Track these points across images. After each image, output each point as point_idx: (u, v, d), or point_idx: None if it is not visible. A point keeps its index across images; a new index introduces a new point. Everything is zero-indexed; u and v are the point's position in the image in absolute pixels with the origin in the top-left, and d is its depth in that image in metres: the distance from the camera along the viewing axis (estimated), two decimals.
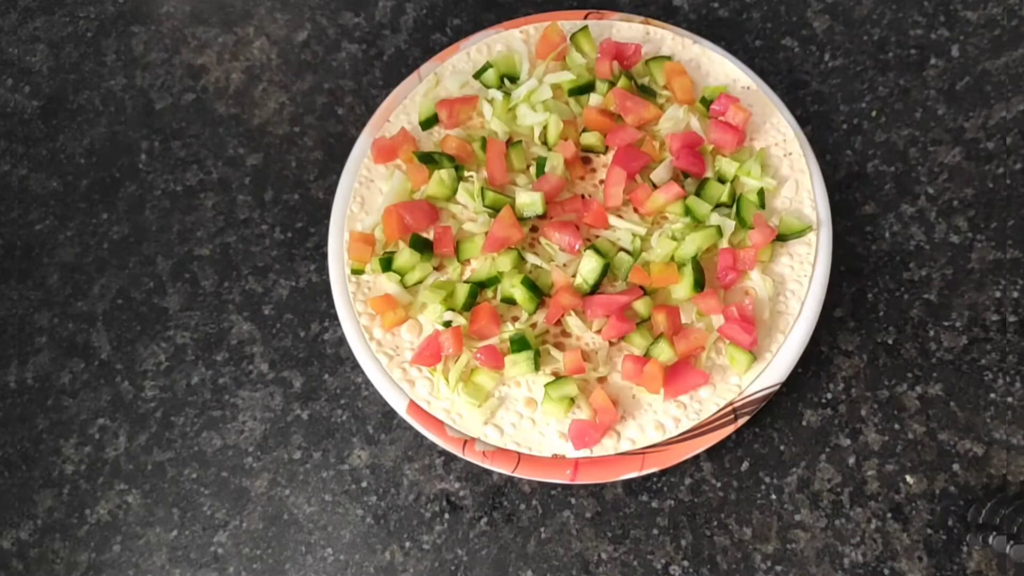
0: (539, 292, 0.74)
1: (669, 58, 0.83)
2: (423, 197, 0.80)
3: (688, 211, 0.76)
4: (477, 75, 0.84)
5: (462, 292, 0.74)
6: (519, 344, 0.71)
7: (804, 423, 0.76)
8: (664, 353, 0.70)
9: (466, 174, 0.81)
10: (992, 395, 0.75)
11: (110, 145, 0.93)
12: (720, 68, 0.84)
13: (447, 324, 0.73)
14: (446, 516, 0.75)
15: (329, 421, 0.79)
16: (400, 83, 0.86)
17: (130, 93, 0.96)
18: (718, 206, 0.77)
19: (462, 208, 0.80)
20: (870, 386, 0.76)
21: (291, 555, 0.75)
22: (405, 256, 0.76)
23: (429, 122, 0.83)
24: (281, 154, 0.91)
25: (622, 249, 0.76)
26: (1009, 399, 0.75)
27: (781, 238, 0.75)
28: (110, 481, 0.79)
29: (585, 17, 0.87)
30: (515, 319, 0.75)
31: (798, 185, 0.78)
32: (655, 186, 0.77)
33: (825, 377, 0.77)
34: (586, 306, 0.73)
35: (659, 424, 0.70)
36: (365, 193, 0.81)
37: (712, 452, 0.75)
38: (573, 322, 0.73)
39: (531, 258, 0.76)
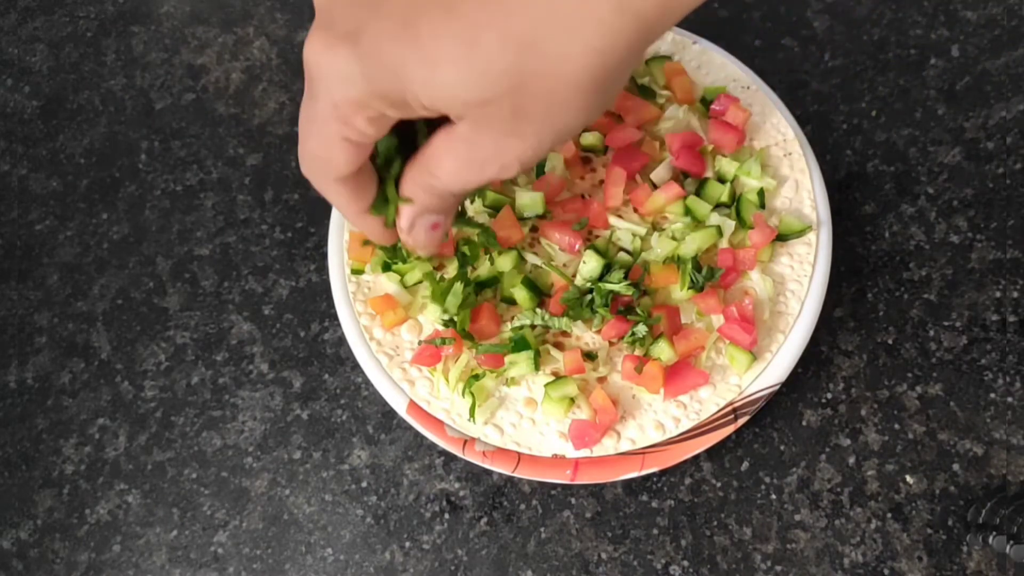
0: (539, 292, 0.74)
1: (669, 58, 0.83)
2: None
3: (688, 211, 0.76)
4: None
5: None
6: (519, 344, 0.71)
7: (804, 423, 0.76)
8: (664, 353, 0.70)
9: None
10: (992, 395, 0.75)
11: (110, 145, 0.93)
12: (720, 68, 0.84)
13: (447, 324, 0.73)
14: (446, 516, 0.75)
15: (329, 421, 0.79)
16: None
17: (130, 93, 0.96)
18: (718, 206, 0.77)
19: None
20: (870, 386, 0.76)
21: (291, 555, 0.75)
22: None
23: None
24: (281, 154, 0.91)
25: (622, 249, 0.76)
26: (1009, 399, 0.75)
27: (781, 238, 0.75)
28: (110, 481, 0.79)
29: None
30: (515, 319, 0.75)
31: (798, 185, 0.78)
32: (655, 186, 0.77)
33: (825, 377, 0.77)
34: None
35: (659, 424, 0.70)
36: None
37: (712, 452, 0.75)
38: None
39: (531, 258, 0.76)
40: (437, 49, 0.38)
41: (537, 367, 0.71)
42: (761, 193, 0.77)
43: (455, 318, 0.71)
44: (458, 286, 0.71)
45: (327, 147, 0.44)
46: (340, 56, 0.39)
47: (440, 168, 0.45)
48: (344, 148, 0.44)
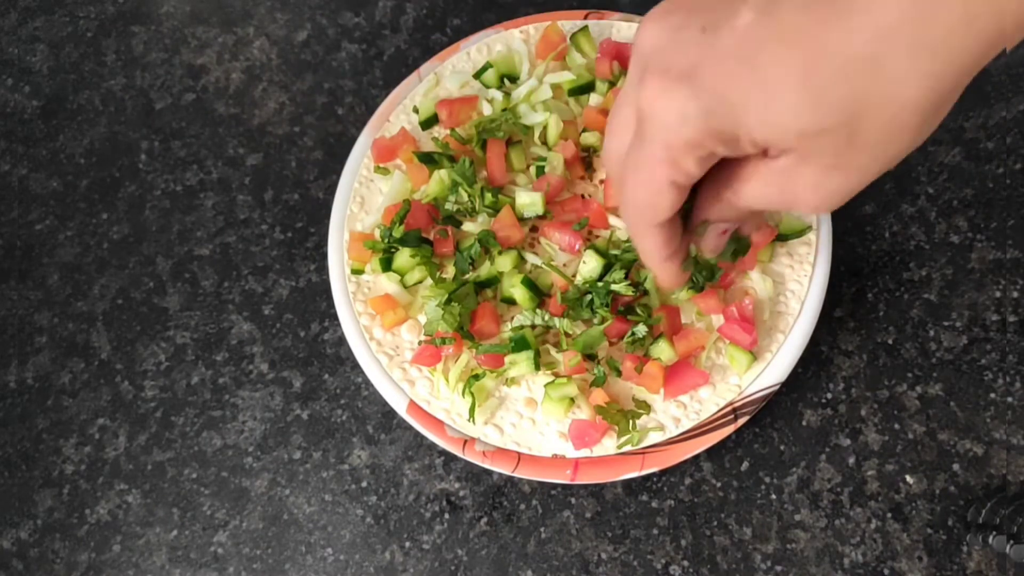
0: (539, 292, 0.74)
1: None
2: (425, 198, 0.80)
3: None
4: (477, 75, 0.84)
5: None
6: (519, 344, 0.71)
7: (804, 423, 0.76)
8: (664, 353, 0.70)
9: None
10: (992, 395, 0.75)
11: (110, 145, 0.93)
12: None
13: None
14: (446, 516, 0.75)
15: (329, 421, 0.79)
16: (400, 83, 0.87)
17: (130, 93, 0.96)
18: None
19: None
20: (870, 386, 0.76)
21: (291, 555, 0.75)
22: (405, 256, 0.76)
23: (429, 122, 0.83)
24: (281, 154, 0.91)
25: (622, 249, 0.76)
26: (1009, 399, 0.75)
27: (781, 238, 0.75)
28: (110, 481, 0.79)
29: (585, 17, 0.87)
30: (515, 319, 0.75)
31: None
32: None
33: (825, 377, 0.77)
34: None
35: (659, 424, 0.70)
36: (365, 193, 0.81)
37: (712, 452, 0.75)
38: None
39: (531, 258, 0.76)
40: (775, 76, 0.38)
41: (537, 367, 0.71)
42: None
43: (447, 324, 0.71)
44: (454, 306, 0.71)
45: (653, 193, 0.45)
46: (678, 96, 0.40)
47: (745, 190, 0.46)
48: (670, 192, 0.45)
